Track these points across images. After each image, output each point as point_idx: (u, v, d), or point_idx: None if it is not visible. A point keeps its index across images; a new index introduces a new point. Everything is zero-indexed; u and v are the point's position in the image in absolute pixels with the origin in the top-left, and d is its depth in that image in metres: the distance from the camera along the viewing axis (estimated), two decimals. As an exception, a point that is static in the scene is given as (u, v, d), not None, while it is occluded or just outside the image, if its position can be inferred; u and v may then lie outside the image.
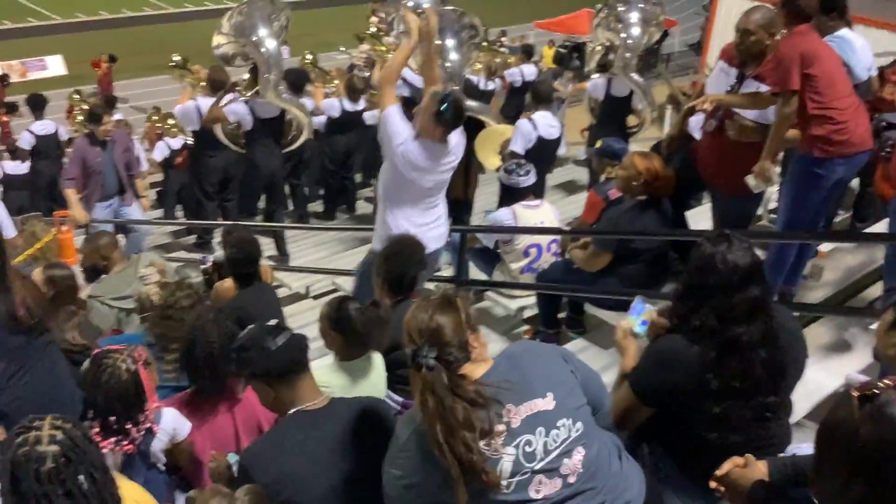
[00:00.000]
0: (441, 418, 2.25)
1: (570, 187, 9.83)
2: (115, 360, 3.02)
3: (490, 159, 7.07)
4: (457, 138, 4.79)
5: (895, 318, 2.63)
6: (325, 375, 3.34)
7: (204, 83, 8.76)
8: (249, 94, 7.65)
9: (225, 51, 7.51)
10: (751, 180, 4.65)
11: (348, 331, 3.49)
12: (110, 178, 7.42)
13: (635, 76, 7.99)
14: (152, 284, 4.21)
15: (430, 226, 4.90)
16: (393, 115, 4.61)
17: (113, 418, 2.97)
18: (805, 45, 4.35)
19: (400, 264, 4.06)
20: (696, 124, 6.00)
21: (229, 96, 7.90)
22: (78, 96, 12.51)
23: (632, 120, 8.69)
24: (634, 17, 7.97)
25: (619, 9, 8.00)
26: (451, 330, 2.36)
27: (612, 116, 8.52)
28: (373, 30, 10.46)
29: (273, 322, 2.90)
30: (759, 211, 6.13)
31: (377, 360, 3.65)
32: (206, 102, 7.94)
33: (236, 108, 7.69)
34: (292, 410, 2.75)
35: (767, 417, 2.75)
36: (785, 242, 4.85)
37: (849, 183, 4.92)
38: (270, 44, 7.37)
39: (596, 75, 8.65)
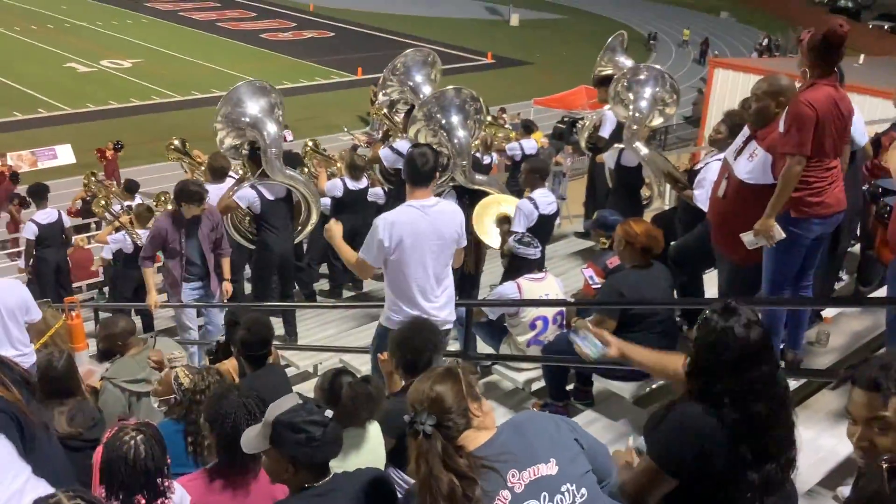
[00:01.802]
0: (427, 487, 2.31)
1: (572, 259, 9.87)
2: (130, 436, 3.03)
3: (488, 233, 7.15)
4: (452, 207, 4.88)
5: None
6: None
7: (203, 167, 8.93)
8: (255, 177, 7.76)
9: (230, 143, 7.70)
10: (747, 237, 4.69)
11: (338, 404, 3.53)
12: (195, 260, 7.27)
13: (642, 147, 8.12)
14: (181, 367, 4.21)
15: (438, 299, 4.95)
16: (364, 257, 4.83)
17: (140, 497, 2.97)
18: (822, 107, 4.36)
19: (414, 349, 4.05)
20: (702, 196, 6.10)
21: (211, 187, 7.99)
22: (94, 177, 12.68)
23: (646, 191, 8.79)
24: (647, 92, 8.14)
25: (639, 77, 8.19)
26: (452, 397, 2.41)
27: (624, 186, 8.64)
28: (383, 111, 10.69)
29: (329, 414, 2.88)
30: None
31: (373, 432, 3.67)
32: (208, 188, 8.05)
33: (244, 193, 7.74)
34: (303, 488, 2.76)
35: (787, 476, 2.74)
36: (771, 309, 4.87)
37: (825, 239, 4.94)
38: (271, 127, 7.51)
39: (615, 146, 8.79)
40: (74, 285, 11.86)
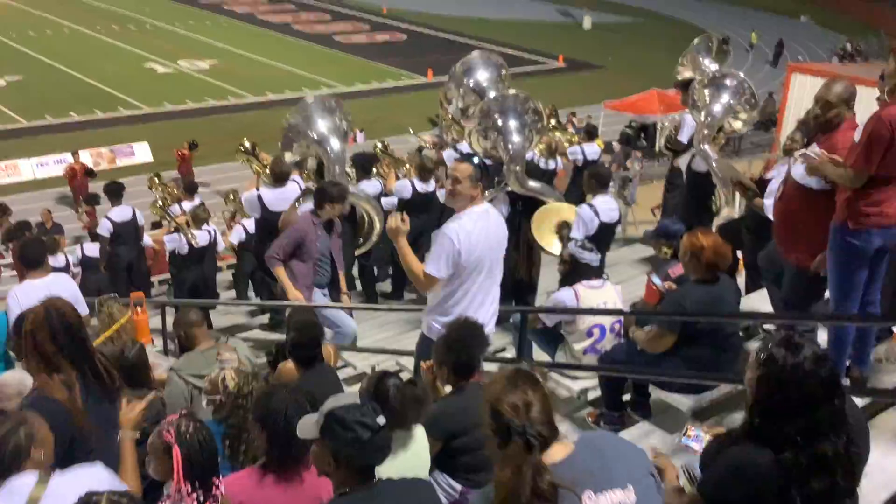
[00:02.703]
0: (514, 499, 2.27)
1: (636, 266, 9.73)
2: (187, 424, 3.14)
3: (547, 238, 7.09)
4: (498, 214, 4.85)
5: None
6: None
7: (267, 172, 9.07)
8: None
9: (292, 157, 7.80)
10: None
11: (385, 406, 3.53)
12: (327, 264, 7.03)
13: (710, 153, 7.95)
14: (230, 369, 4.29)
15: (484, 306, 4.94)
16: (433, 268, 4.76)
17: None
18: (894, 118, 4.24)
19: (464, 350, 4.08)
20: (769, 206, 5.96)
21: (271, 191, 8.10)
22: (157, 179, 13.00)
23: (718, 198, 8.63)
24: (724, 98, 7.99)
25: (720, 82, 8.03)
26: (542, 407, 2.39)
27: (693, 192, 8.48)
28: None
29: (382, 421, 2.87)
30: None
31: (419, 434, 3.69)
32: (267, 193, 8.13)
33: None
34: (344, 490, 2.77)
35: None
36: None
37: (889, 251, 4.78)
38: (335, 143, 7.59)
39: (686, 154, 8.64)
40: (151, 279, 12.18)
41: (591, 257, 5.84)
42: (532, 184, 7.43)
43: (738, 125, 8.20)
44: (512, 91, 7.39)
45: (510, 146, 7.02)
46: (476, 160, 4.91)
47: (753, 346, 5.83)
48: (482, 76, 8.51)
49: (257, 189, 8.39)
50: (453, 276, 4.82)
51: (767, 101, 27.51)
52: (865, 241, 4.45)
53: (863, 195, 4.37)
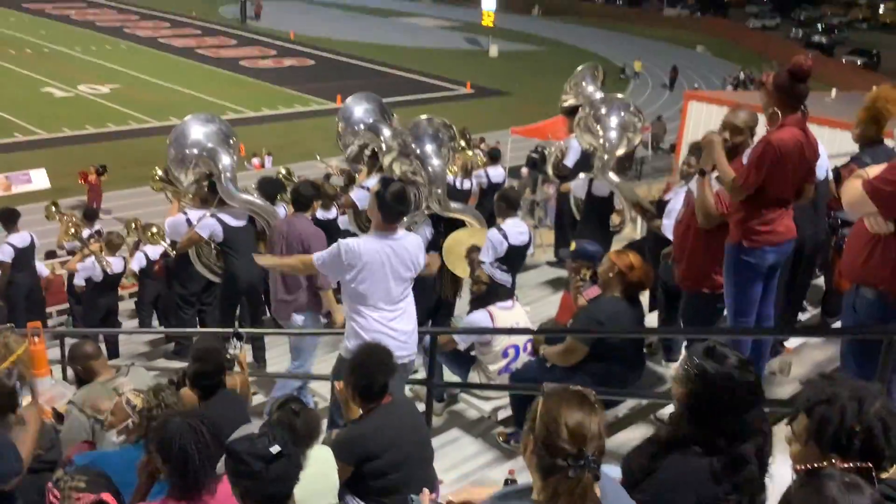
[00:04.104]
0: None
1: (544, 288, 9.91)
2: None
3: (458, 266, 7.16)
4: (414, 238, 4.92)
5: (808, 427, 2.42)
6: None
7: (190, 195, 8.90)
8: (214, 204, 7.73)
9: (190, 179, 7.68)
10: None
11: (291, 432, 3.57)
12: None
13: (613, 177, 8.20)
14: (128, 391, 4.19)
15: (397, 328, 4.96)
16: (320, 261, 4.92)
17: None
18: (786, 149, 4.40)
19: (368, 373, 4.08)
20: (669, 226, 6.17)
21: (194, 213, 7.99)
22: (54, 208, 12.54)
23: (615, 219, 8.87)
24: (614, 121, 8.24)
25: (601, 111, 8.27)
26: (600, 437, 2.30)
27: (594, 215, 8.70)
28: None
29: (276, 450, 2.83)
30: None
31: (315, 458, 3.68)
32: (195, 214, 8.00)
33: (205, 223, 7.67)
34: None
35: None
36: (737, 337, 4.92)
37: (780, 267, 5.01)
38: (220, 153, 7.52)
39: (582, 176, 8.83)
40: (48, 309, 11.77)
41: (506, 278, 5.95)
42: (454, 205, 7.52)
43: (635, 139, 8.51)
44: (421, 116, 7.45)
45: (430, 169, 7.08)
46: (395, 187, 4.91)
47: (652, 365, 6.02)
48: (364, 112, 8.61)
49: (184, 213, 8.20)
50: (353, 294, 4.88)
51: (656, 123, 28.56)
52: (759, 259, 4.65)
53: (755, 215, 4.57)
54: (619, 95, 8.90)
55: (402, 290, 4.99)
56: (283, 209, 9.14)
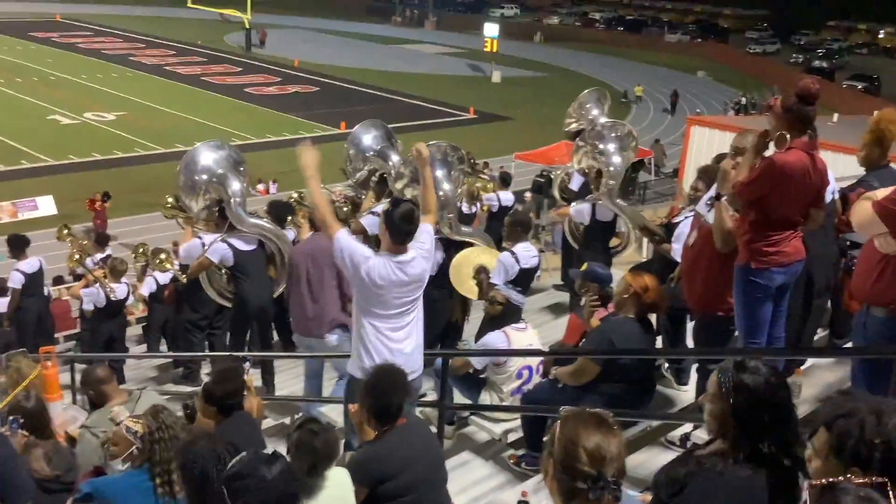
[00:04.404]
0: None
1: (551, 311, 9.93)
2: None
3: (465, 285, 7.20)
4: (420, 258, 4.93)
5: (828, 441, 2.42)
6: None
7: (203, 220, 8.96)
8: (224, 229, 7.79)
9: (200, 206, 7.74)
10: None
11: (290, 453, 3.66)
12: None
13: (619, 201, 8.30)
14: (127, 420, 4.21)
15: (402, 344, 4.98)
16: (343, 240, 4.81)
17: None
18: (791, 171, 4.44)
19: (385, 394, 4.08)
20: (679, 250, 6.20)
21: (209, 238, 8.03)
22: (67, 230, 12.63)
23: (614, 241, 8.92)
24: (612, 147, 8.34)
25: (598, 144, 8.39)
26: (621, 461, 2.30)
27: (597, 239, 8.74)
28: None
29: (269, 451, 2.91)
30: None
31: (333, 480, 3.74)
32: (210, 238, 8.07)
33: (215, 248, 7.73)
34: None
35: None
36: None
37: (792, 283, 5.03)
38: (229, 178, 7.61)
39: (585, 201, 8.85)
40: (56, 335, 11.80)
41: (522, 300, 6.00)
42: (464, 229, 7.58)
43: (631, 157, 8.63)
44: (433, 142, 7.53)
45: (441, 194, 7.15)
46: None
47: (662, 387, 6.04)
48: (373, 139, 8.70)
49: (199, 238, 8.25)
50: (362, 309, 4.90)
51: (655, 146, 28.72)
52: (767, 280, 4.67)
53: (763, 236, 4.60)
54: (614, 121, 9.00)
55: (408, 310, 5.01)
56: (291, 233, 9.19)
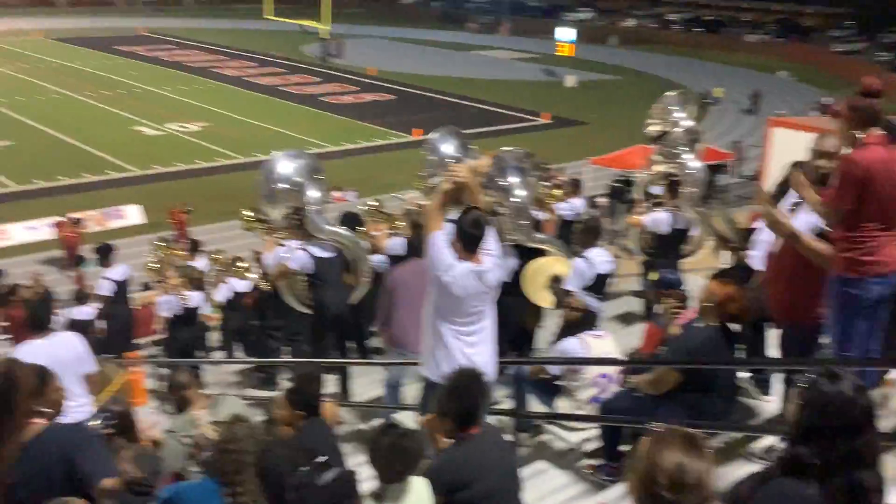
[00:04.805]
0: None
1: (626, 319, 9.79)
2: None
3: (537, 294, 7.15)
4: (495, 267, 4.92)
5: None
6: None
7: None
8: (303, 237, 7.88)
9: (279, 214, 7.86)
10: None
11: (376, 458, 3.65)
12: None
13: (699, 208, 8.18)
14: (205, 426, 4.31)
15: (477, 348, 4.98)
16: (438, 241, 4.83)
17: None
18: (870, 166, 4.33)
19: (468, 398, 4.07)
20: (755, 258, 6.06)
21: (293, 244, 8.13)
22: (164, 243, 13.04)
23: (686, 248, 8.79)
24: (688, 153, 8.25)
25: (673, 150, 8.28)
26: (707, 488, 2.19)
27: (673, 247, 8.62)
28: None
29: (321, 459, 2.94)
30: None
31: (416, 488, 3.73)
32: (293, 244, 8.23)
33: (295, 256, 7.85)
34: None
35: None
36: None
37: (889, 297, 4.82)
38: (306, 185, 7.71)
39: (660, 211, 8.70)
40: (137, 341, 12.16)
41: (599, 306, 5.94)
42: (538, 235, 7.56)
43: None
44: (502, 148, 7.52)
45: (514, 200, 7.15)
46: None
47: (745, 399, 5.89)
48: (451, 147, 8.66)
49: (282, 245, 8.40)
50: (438, 313, 4.91)
51: (734, 149, 28.05)
52: (863, 290, 4.49)
53: (858, 245, 4.43)
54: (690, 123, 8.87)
55: (482, 316, 5.01)
56: (364, 242, 9.29)
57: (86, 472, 3.59)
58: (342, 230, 8.12)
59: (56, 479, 3.59)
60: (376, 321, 7.32)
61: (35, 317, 5.96)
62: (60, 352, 5.75)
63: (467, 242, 4.85)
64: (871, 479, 2.59)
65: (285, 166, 7.81)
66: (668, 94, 9.51)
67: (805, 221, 4.97)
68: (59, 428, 3.71)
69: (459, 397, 4.06)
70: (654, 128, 9.24)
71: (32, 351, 5.65)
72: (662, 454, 2.19)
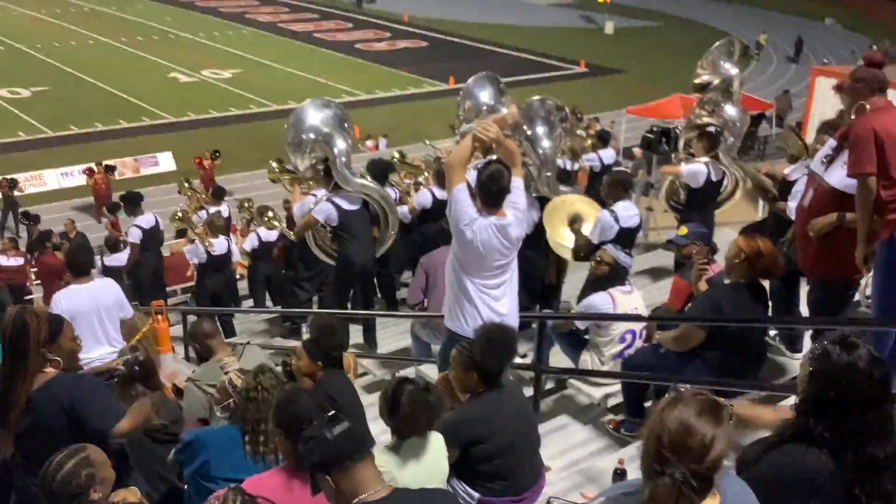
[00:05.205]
0: None
1: (656, 273, 9.65)
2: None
3: (556, 230, 7.05)
4: (516, 221, 4.82)
5: None
6: (378, 456, 3.37)
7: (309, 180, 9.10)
8: (330, 188, 7.84)
9: (306, 164, 7.82)
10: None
11: (396, 412, 3.60)
12: None
13: (737, 159, 8.04)
14: (232, 371, 4.32)
15: (500, 301, 4.92)
16: (460, 194, 4.75)
17: None
18: (880, 123, 4.27)
19: (498, 354, 4.05)
20: (793, 208, 5.89)
21: (314, 197, 8.09)
22: (188, 184, 13.15)
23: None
24: (730, 107, 8.09)
25: (717, 98, 8.11)
26: (708, 453, 2.10)
27: (707, 200, 8.45)
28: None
29: (331, 413, 2.90)
30: (857, 297, 5.89)
31: (435, 442, 3.68)
32: (322, 194, 8.18)
33: (321, 208, 7.77)
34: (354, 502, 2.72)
35: None
36: (882, 330, 4.60)
37: None
38: (336, 137, 7.61)
39: (701, 160, 8.48)
40: (168, 289, 12.29)
41: (629, 261, 5.84)
42: (563, 188, 7.42)
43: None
44: (533, 97, 7.35)
45: (541, 151, 7.02)
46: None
47: (773, 355, 5.77)
48: (487, 95, 8.44)
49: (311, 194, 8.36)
50: (462, 267, 4.86)
51: (781, 97, 27.35)
52: None
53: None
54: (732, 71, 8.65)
55: (504, 270, 4.94)
56: (393, 192, 9.21)
57: (89, 422, 3.60)
58: (370, 182, 8.04)
59: (61, 428, 3.62)
60: (409, 298, 7.23)
61: (77, 261, 6.02)
62: (102, 296, 5.85)
63: (486, 196, 4.76)
64: (884, 452, 2.49)
65: (313, 116, 7.73)
66: (716, 44, 9.22)
67: (838, 178, 4.80)
68: (61, 378, 3.73)
69: (491, 352, 4.02)
70: (702, 79, 9.01)
71: (74, 295, 5.73)
72: (672, 414, 2.13)
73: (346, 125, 7.84)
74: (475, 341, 4.13)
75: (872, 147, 4.24)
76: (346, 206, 7.79)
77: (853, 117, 4.50)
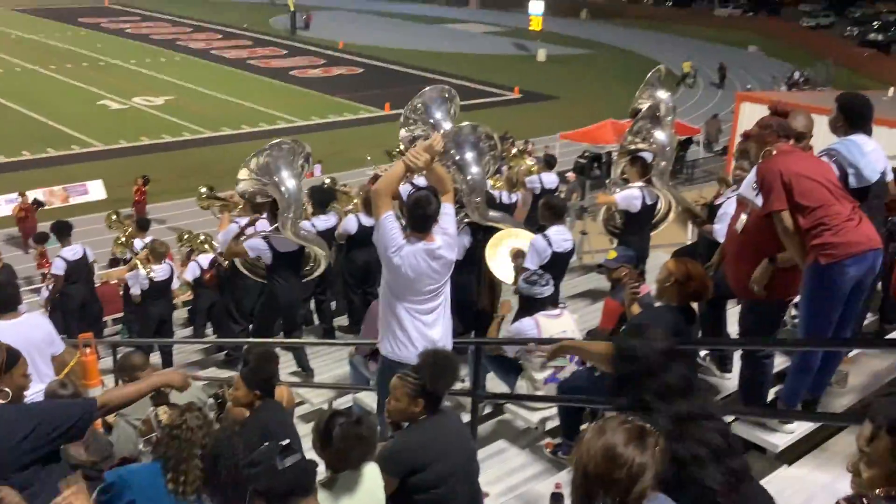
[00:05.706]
0: None
1: (592, 295, 9.79)
2: None
3: (502, 270, 7.13)
4: (446, 246, 4.86)
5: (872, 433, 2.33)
6: None
7: (239, 206, 9.00)
8: (269, 229, 7.74)
9: (245, 187, 7.60)
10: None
11: (329, 446, 3.56)
12: None
13: (669, 184, 8.24)
14: (162, 406, 4.24)
15: (433, 327, 4.95)
16: (386, 222, 4.77)
17: None
18: (784, 163, 4.42)
19: (446, 378, 4.03)
20: (721, 231, 6.05)
21: (250, 229, 8.01)
22: (116, 217, 12.89)
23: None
24: (659, 128, 8.29)
25: (647, 125, 8.31)
26: (638, 484, 2.11)
27: (644, 222, 8.62)
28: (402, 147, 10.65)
29: (286, 442, 2.89)
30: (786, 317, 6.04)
31: (369, 473, 3.65)
32: (245, 222, 8.08)
33: (256, 244, 7.71)
34: None
35: (738, 481, 2.62)
36: (808, 350, 4.72)
37: (870, 283, 4.74)
38: (291, 184, 7.37)
39: (632, 187, 8.61)
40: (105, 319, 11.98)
41: (538, 290, 5.87)
42: (493, 214, 7.47)
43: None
44: (464, 123, 7.40)
45: (469, 177, 7.05)
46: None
47: (704, 376, 5.89)
48: (436, 108, 8.41)
49: (235, 222, 8.26)
50: (392, 292, 4.89)
51: (710, 122, 28.14)
52: (840, 275, 4.35)
53: (825, 227, 4.33)
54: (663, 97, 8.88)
55: (436, 295, 4.96)
56: (333, 218, 9.18)
57: (66, 424, 3.50)
58: (310, 233, 8.04)
59: (11, 459, 3.48)
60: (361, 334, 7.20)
61: (4, 297, 5.75)
62: (31, 332, 5.61)
63: (414, 222, 4.80)
64: (691, 406, 2.81)
65: (285, 173, 7.40)
66: (651, 72, 9.45)
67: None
68: (4, 410, 3.61)
69: (438, 376, 3.99)
70: (639, 104, 9.20)
71: (2, 333, 5.51)
72: (598, 441, 2.14)
73: (298, 168, 7.50)
74: (420, 367, 4.07)
75: (780, 185, 4.36)
76: (281, 248, 7.71)
77: (760, 161, 4.64)
